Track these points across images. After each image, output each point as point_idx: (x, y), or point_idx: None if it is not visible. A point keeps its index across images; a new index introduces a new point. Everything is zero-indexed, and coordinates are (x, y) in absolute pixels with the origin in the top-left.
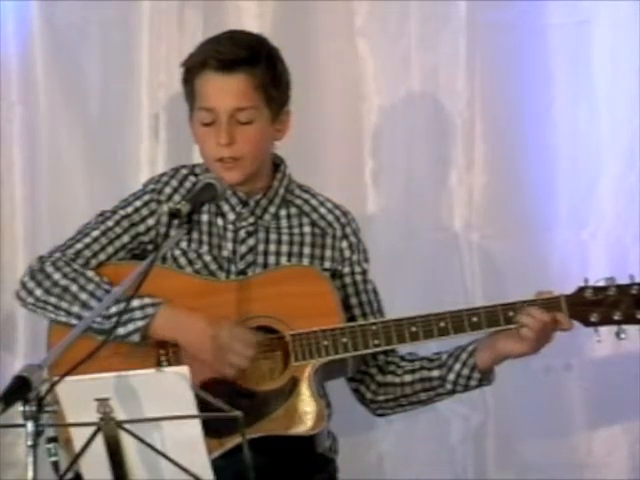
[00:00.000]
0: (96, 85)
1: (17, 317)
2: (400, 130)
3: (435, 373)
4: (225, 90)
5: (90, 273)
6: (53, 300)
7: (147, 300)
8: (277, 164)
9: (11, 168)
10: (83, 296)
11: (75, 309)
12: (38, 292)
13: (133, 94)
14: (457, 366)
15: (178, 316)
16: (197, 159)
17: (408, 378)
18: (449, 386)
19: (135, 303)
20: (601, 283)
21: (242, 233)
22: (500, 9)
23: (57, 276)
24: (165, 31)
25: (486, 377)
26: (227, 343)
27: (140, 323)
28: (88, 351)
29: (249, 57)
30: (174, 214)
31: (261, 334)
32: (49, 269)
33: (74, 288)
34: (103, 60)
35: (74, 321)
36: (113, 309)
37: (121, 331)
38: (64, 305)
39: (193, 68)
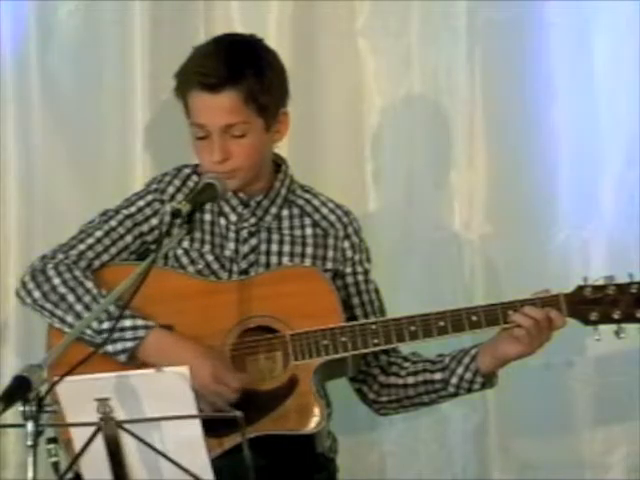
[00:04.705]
0: (91, 84)
1: (9, 311)
2: (400, 130)
3: (438, 376)
4: (213, 108)
5: (89, 284)
6: (49, 306)
7: (139, 322)
8: (279, 164)
9: (5, 167)
10: (78, 307)
11: (69, 319)
12: (36, 294)
13: (129, 93)
14: (460, 370)
15: (166, 344)
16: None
17: (411, 380)
18: (452, 389)
19: (127, 323)
20: (600, 282)
21: (244, 233)
22: (500, 9)
23: (57, 281)
24: (164, 31)
25: (489, 381)
26: (207, 385)
27: (129, 344)
28: (88, 351)
29: (233, 74)
30: (174, 214)
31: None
32: (50, 272)
33: (71, 298)
34: (99, 59)
35: (67, 329)
36: (105, 325)
37: (109, 349)
38: (59, 313)
39: (181, 84)
